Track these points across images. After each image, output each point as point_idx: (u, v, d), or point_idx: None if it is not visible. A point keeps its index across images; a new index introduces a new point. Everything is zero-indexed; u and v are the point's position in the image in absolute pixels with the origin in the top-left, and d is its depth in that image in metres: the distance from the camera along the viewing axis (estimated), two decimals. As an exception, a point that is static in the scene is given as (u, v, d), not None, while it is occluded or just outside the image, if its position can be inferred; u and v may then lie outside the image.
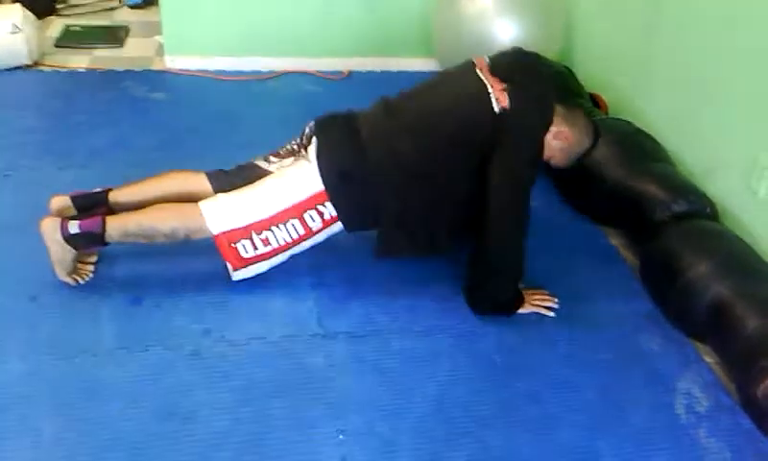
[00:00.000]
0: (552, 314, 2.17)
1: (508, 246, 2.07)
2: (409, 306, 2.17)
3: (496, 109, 2.01)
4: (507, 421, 1.84)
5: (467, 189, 2.08)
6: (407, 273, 2.28)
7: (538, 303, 2.18)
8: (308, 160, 2.10)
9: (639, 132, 2.72)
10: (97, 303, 2.06)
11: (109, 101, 3.18)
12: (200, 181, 2.19)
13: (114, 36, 3.80)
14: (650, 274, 2.33)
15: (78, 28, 3.84)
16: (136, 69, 3.49)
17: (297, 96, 3.42)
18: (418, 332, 2.08)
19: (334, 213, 2.08)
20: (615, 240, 2.59)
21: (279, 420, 1.77)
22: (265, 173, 2.18)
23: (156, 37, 3.75)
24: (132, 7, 4.21)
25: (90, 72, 3.43)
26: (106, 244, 2.05)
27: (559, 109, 2.12)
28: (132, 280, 2.14)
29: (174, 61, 3.52)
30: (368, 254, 2.23)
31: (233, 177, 2.19)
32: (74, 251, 2.06)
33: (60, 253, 2.04)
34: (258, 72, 3.56)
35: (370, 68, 3.69)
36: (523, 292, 2.16)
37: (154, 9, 4.02)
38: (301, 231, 2.09)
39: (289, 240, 2.09)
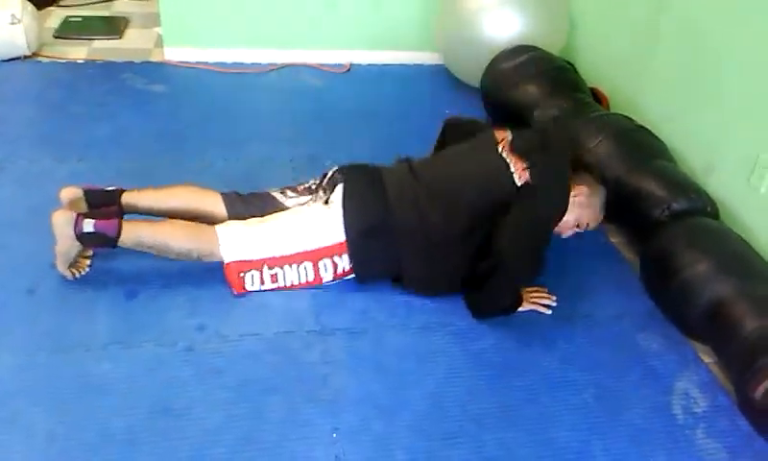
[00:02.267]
0: (549, 312, 2.16)
1: (515, 277, 2.07)
2: (406, 303, 2.15)
3: (518, 183, 2.06)
4: (504, 420, 1.83)
5: (483, 245, 2.07)
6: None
7: (536, 301, 2.17)
8: (329, 205, 2.12)
9: (640, 128, 2.70)
10: (93, 296, 2.05)
11: (108, 93, 3.17)
12: (215, 202, 2.18)
13: (114, 27, 3.79)
14: (649, 272, 2.31)
15: (77, 19, 3.83)
16: (136, 61, 3.47)
17: (298, 89, 3.41)
18: (415, 329, 2.07)
19: (347, 267, 2.10)
20: (615, 238, 2.58)
21: (273, 417, 1.76)
22: (281, 207, 2.18)
23: (156, 29, 3.73)
24: (132, -3, 4.20)
25: (89, 63, 3.42)
26: (115, 247, 2.04)
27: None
28: (129, 274, 2.13)
29: (173, 53, 3.50)
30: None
31: (249, 205, 2.19)
32: (81, 247, 2.05)
33: (66, 246, 2.03)
34: (259, 64, 3.54)
35: (371, 61, 3.67)
36: (521, 290, 2.14)
37: (153, 0, 4.00)
38: (311, 278, 2.11)
39: (296, 283, 2.11)
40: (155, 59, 3.52)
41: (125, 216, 2.12)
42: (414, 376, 1.92)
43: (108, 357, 1.87)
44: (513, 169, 2.09)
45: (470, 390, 1.90)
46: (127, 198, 2.15)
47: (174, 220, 2.10)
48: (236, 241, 2.06)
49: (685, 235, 2.23)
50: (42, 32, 3.52)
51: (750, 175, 2.31)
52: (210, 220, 2.12)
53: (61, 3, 4.01)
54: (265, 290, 2.10)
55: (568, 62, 3.18)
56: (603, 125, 2.65)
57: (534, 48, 3.10)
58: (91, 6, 4.04)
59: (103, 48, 3.58)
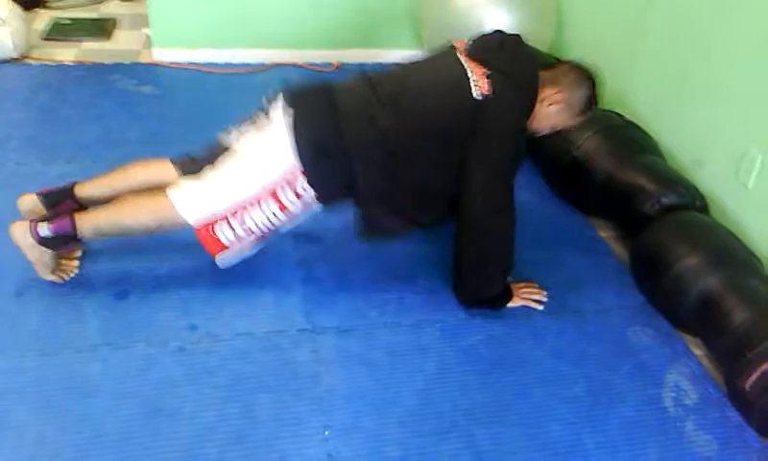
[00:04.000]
0: (541, 307, 2.16)
1: (492, 237, 2.03)
2: (397, 300, 2.16)
3: (476, 95, 1.95)
4: (495, 414, 1.83)
5: (447, 179, 2.02)
6: (396, 267, 2.28)
7: (526, 297, 2.17)
8: (271, 123, 2.01)
9: (629, 124, 2.72)
10: (82, 298, 2.04)
11: (97, 94, 3.16)
12: (165, 170, 2.13)
13: (102, 28, 3.78)
14: (639, 266, 2.32)
15: (65, 20, 3.81)
16: (124, 62, 3.46)
17: (286, 89, 3.40)
18: (406, 326, 2.07)
19: (307, 187, 1.99)
20: (605, 232, 2.59)
21: (265, 416, 1.76)
22: (226, 146, 2.08)
23: (144, 30, 3.72)
24: (121, -1, 4.19)
25: (78, 65, 3.40)
26: (80, 240, 2.02)
27: (544, 76, 2.06)
28: (118, 275, 2.13)
29: (162, 54, 3.49)
30: (357, 248, 2.22)
31: (200, 160, 2.12)
32: (50, 251, 2.03)
33: (36, 255, 2.01)
34: (248, 64, 3.53)
35: (360, 60, 3.66)
36: (512, 285, 2.15)
37: (142, 1, 3.98)
38: (278, 210, 1.99)
39: (267, 222, 2.00)
40: (143, 60, 3.51)
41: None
42: (404, 372, 1.92)
43: (99, 358, 1.86)
44: (471, 76, 1.98)
45: (461, 385, 1.90)
46: (79, 190, 2.12)
47: (125, 198, 2.03)
48: (191, 199, 1.98)
49: (675, 229, 2.25)
50: (30, 34, 3.50)
51: (738, 170, 2.32)
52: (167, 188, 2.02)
53: (49, 5, 3.99)
54: (239, 236, 2.00)
55: (557, 59, 3.18)
56: (592, 120, 2.65)
57: (522, 45, 3.10)
58: (79, 7, 4.03)
59: (91, 50, 3.57)
